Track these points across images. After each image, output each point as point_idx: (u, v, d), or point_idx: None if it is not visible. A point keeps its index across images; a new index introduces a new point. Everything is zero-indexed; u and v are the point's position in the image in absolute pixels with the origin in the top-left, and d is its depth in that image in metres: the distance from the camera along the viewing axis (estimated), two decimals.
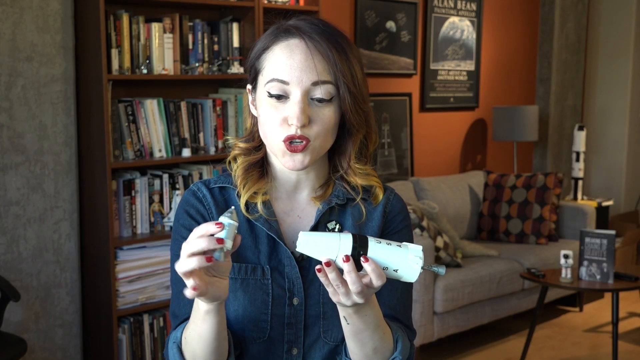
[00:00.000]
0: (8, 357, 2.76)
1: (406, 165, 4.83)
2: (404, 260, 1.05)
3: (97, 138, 3.17)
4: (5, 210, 3.13)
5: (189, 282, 1.03)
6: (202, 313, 1.10)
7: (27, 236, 3.20)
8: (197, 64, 3.46)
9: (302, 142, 1.16)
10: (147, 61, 3.30)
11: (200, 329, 1.12)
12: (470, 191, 4.79)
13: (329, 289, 1.07)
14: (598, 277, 3.65)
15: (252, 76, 1.24)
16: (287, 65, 1.16)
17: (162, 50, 3.33)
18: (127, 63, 3.21)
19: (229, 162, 1.29)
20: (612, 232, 3.64)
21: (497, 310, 4.11)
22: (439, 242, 3.95)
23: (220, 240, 1.02)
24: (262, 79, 1.20)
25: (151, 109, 3.31)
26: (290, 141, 1.16)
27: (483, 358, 3.96)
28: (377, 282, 1.05)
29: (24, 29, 3.13)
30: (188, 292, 1.04)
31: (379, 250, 1.05)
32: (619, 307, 3.84)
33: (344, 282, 1.05)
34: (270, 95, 1.17)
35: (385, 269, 1.05)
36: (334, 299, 1.08)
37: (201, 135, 3.49)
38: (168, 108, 3.37)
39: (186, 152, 3.39)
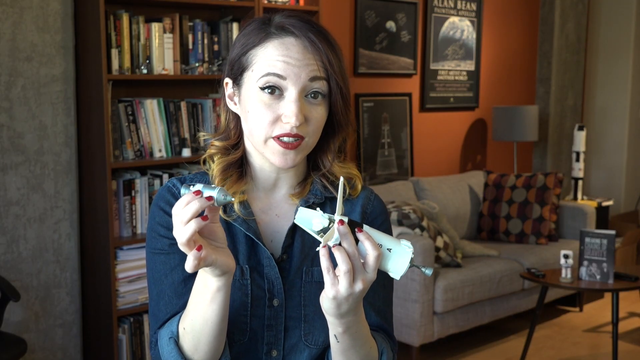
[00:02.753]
0: (8, 357, 2.76)
1: (406, 165, 4.83)
2: (397, 244, 1.05)
3: (97, 138, 3.17)
4: (5, 210, 3.13)
5: (193, 252, 0.98)
6: (212, 292, 1.07)
7: (27, 236, 3.20)
8: (197, 64, 3.46)
9: (296, 139, 1.14)
10: (147, 61, 3.30)
11: (207, 314, 1.08)
12: (470, 191, 4.79)
13: (328, 278, 1.02)
14: (598, 277, 3.65)
15: (235, 71, 1.20)
16: (283, 61, 1.14)
17: (162, 50, 3.33)
18: (127, 63, 3.21)
19: (204, 161, 1.26)
20: (612, 232, 3.64)
21: (497, 310, 4.11)
22: (439, 242, 3.95)
23: (209, 198, 0.99)
24: (251, 75, 1.16)
25: (151, 109, 3.31)
26: (282, 138, 1.14)
27: (483, 358, 3.95)
28: (372, 252, 1.02)
29: (24, 29, 3.13)
30: (190, 264, 0.99)
31: (373, 231, 1.05)
32: (619, 307, 3.84)
33: (346, 260, 1.01)
34: (263, 88, 1.14)
35: (379, 246, 1.04)
36: (331, 293, 1.03)
37: (201, 140, 3.48)
38: (168, 108, 3.38)
39: (186, 152, 3.39)
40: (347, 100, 1.19)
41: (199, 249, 0.99)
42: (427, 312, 3.69)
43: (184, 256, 1.18)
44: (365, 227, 1.04)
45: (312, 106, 1.16)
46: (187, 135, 3.43)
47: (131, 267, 3.23)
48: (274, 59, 1.14)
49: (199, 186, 1.01)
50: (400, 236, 3.72)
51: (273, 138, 1.15)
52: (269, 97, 1.14)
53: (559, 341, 4.20)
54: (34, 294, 3.24)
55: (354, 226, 1.03)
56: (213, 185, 1.03)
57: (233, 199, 1.01)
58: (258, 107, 1.15)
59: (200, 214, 1.00)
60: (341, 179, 1.05)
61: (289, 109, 1.13)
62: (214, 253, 1.02)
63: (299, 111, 1.13)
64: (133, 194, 3.28)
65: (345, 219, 1.02)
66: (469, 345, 4.10)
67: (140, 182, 3.30)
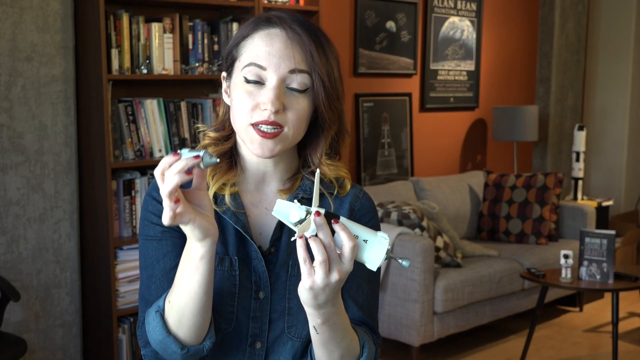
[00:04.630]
0: (8, 357, 2.76)
1: (406, 165, 4.83)
2: (373, 235, 1.07)
3: (97, 138, 3.17)
4: (5, 210, 3.13)
5: (170, 204, 1.01)
6: (195, 261, 1.09)
7: (27, 236, 3.20)
8: (197, 64, 3.46)
9: (275, 128, 1.16)
10: (147, 61, 3.30)
11: (190, 285, 1.10)
12: (470, 191, 4.79)
13: (305, 269, 1.04)
14: (598, 277, 3.65)
15: (228, 63, 1.24)
16: (265, 51, 1.17)
17: (162, 50, 3.33)
18: (127, 63, 3.22)
19: None
20: (612, 232, 3.64)
21: (497, 310, 4.11)
22: (439, 242, 3.95)
23: (197, 157, 1.02)
24: (238, 65, 1.20)
25: (151, 109, 3.31)
26: (260, 126, 1.16)
27: (483, 358, 3.96)
28: (347, 243, 1.03)
29: (24, 29, 3.13)
30: (166, 215, 1.02)
31: (349, 222, 1.07)
32: (619, 307, 3.84)
33: (322, 250, 1.03)
34: (247, 81, 1.18)
35: (355, 237, 1.06)
36: (308, 284, 1.04)
37: (201, 135, 3.48)
38: (168, 108, 3.38)
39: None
40: (332, 95, 1.20)
41: (177, 201, 1.02)
42: (427, 312, 3.69)
43: (175, 243, 1.21)
44: (342, 219, 1.06)
45: (294, 97, 1.18)
46: (187, 135, 3.43)
47: (131, 267, 3.23)
48: (257, 49, 1.18)
49: (184, 150, 1.04)
50: (400, 236, 3.72)
51: (252, 126, 1.17)
52: (251, 86, 1.18)
53: (559, 341, 4.20)
54: (34, 294, 3.24)
55: (330, 218, 1.05)
56: (198, 149, 1.06)
57: (218, 160, 1.04)
58: (240, 95, 1.19)
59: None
60: (317, 171, 1.07)
61: (266, 96, 1.16)
62: (193, 213, 1.05)
63: (276, 98, 1.15)
64: (133, 194, 3.28)
65: (322, 211, 1.04)
66: (469, 345, 4.10)
67: (140, 182, 3.30)
